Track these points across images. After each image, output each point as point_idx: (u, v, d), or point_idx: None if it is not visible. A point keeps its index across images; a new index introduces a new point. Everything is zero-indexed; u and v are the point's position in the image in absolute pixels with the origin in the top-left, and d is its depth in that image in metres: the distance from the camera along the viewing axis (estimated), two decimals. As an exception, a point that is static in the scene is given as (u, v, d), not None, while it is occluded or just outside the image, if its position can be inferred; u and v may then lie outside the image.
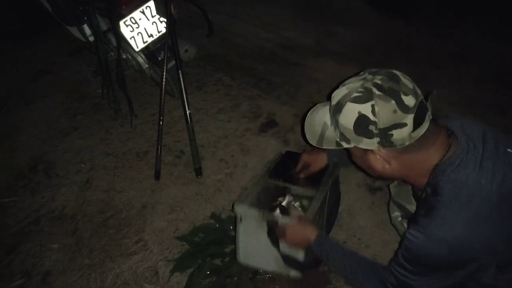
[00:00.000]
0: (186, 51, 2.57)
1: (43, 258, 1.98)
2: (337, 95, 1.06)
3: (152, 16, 2.31)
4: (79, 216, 2.15)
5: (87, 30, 2.54)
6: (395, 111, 0.98)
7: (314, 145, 1.17)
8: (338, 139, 1.09)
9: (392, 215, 1.57)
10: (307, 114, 1.23)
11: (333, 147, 1.11)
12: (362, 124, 1.01)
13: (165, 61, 2.20)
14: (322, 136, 1.13)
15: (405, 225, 1.47)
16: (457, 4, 3.23)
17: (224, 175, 2.27)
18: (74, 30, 2.72)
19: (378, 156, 1.06)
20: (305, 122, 1.21)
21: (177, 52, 2.22)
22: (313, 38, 3.30)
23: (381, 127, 0.99)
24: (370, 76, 1.03)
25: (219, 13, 3.57)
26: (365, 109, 0.99)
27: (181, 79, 2.23)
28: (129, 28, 2.26)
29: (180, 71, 2.23)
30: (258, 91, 2.82)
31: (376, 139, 1.01)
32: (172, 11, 2.19)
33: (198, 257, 1.84)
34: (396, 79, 1.02)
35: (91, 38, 2.54)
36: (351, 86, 1.04)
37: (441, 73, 2.79)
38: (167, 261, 1.90)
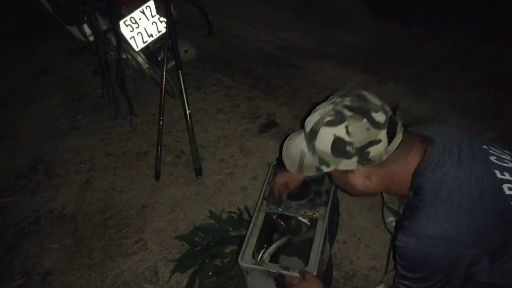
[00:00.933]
0: (186, 51, 2.57)
1: (43, 258, 1.99)
2: (310, 122, 1.09)
3: (152, 16, 2.31)
4: (79, 216, 2.16)
5: (87, 30, 2.54)
6: (368, 129, 1.01)
7: (295, 173, 1.19)
8: (317, 164, 1.11)
9: (386, 220, 1.57)
10: (287, 138, 1.24)
11: (313, 173, 1.14)
12: (339, 146, 1.04)
13: (165, 61, 2.20)
14: (301, 164, 1.15)
15: None
16: (456, 7, 3.25)
17: (224, 176, 2.28)
18: (74, 30, 2.72)
19: (358, 175, 1.09)
20: (283, 152, 1.23)
21: (177, 52, 2.23)
22: (312, 40, 3.30)
23: (358, 146, 1.02)
24: (339, 99, 1.06)
25: (219, 14, 3.58)
26: (340, 131, 1.02)
27: (181, 79, 2.24)
28: (129, 28, 2.26)
29: (180, 71, 2.24)
30: (258, 92, 2.83)
31: (355, 159, 1.04)
32: (172, 11, 2.20)
33: (199, 258, 1.85)
34: (364, 98, 1.06)
35: (91, 38, 2.54)
36: (322, 111, 1.07)
37: (439, 75, 2.80)
38: (167, 261, 1.90)
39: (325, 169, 1.10)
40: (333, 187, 1.69)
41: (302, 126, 1.14)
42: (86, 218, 2.15)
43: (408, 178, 1.09)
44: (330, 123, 1.04)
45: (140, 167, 2.39)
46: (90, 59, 3.09)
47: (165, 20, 2.26)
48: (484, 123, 2.40)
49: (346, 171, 1.09)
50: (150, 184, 2.28)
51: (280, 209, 1.64)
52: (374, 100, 1.07)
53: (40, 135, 2.70)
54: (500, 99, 2.56)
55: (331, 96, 1.12)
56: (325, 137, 1.05)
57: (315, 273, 1.42)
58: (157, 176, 2.27)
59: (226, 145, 2.46)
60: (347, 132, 1.02)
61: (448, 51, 3.02)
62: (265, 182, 1.72)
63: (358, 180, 1.10)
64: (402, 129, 1.08)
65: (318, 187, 1.67)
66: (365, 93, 1.08)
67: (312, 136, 1.08)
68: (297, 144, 1.16)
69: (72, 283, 1.88)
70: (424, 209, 1.02)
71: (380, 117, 1.03)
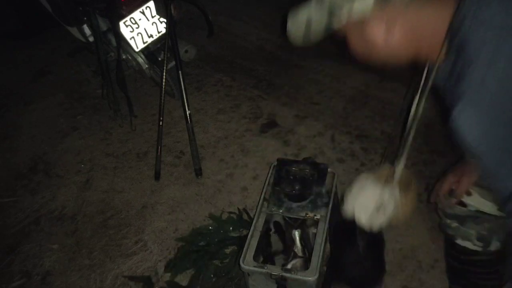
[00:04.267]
0: (186, 51, 2.56)
1: (43, 258, 1.98)
2: None
3: (152, 17, 2.31)
4: (79, 217, 2.15)
5: (87, 30, 2.53)
6: None
7: (300, 43, 1.00)
8: (326, 21, 0.92)
9: (444, 222, 1.39)
10: None
11: (322, 33, 0.96)
12: None
13: (165, 61, 2.20)
14: (308, 28, 0.96)
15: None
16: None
17: (224, 176, 2.27)
18: (74, 31, 2.72)
19: (377, 23, 0.88)
20: (288, 24, 1.00)
21: (177, 52, 2.23)
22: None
23: None
24: None
25: (219, 14, 3.57)
26: None
27: (181, 80, 2.23)
28: (129, 28, 2.26)
29: (180, 72, 2.23)
30: (258, 92, 2.82)
31: None
32: (172, 11, 2.19)
33: (198, 258, 1.84)
34: None
35: (91, 39, 2.53)
36: None
37: (441, 74, 2.79)
38: (167, 262, 1.90)
39: (336, 24, 0.92)
40: (334, 188, 1.68)
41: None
42: (86, 218, 2.14)
43: (443, 33, 0.82)
44: None
45: (140, 167, 2.39)
46: (90, 59, 3.09)
47: (165, 20, 2.25)
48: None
49: (362, 22, 0.89)
50: (150, 185, 2.27)
51: (281, 211, 1.63)
52: None
53: (40, 135, 2.69)
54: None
55: None
56: None
57: (316, 275, 1.41)
58: (157, 176, 2.27)
59: (226, 145, 2.46)
60: None
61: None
62: (266, 183, 1.71)
63: (378, 32, 0.88)
64: None
65: (319, 188, 1.66)
66: None
67: None
68: (303, 14, 0.97)
69: (72, 284, 1.87)
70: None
71: None
